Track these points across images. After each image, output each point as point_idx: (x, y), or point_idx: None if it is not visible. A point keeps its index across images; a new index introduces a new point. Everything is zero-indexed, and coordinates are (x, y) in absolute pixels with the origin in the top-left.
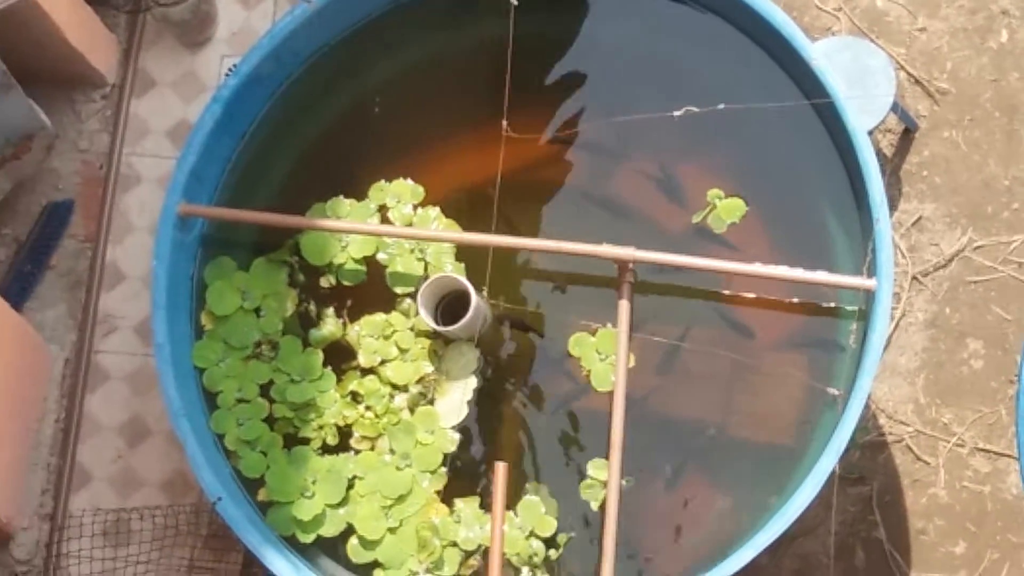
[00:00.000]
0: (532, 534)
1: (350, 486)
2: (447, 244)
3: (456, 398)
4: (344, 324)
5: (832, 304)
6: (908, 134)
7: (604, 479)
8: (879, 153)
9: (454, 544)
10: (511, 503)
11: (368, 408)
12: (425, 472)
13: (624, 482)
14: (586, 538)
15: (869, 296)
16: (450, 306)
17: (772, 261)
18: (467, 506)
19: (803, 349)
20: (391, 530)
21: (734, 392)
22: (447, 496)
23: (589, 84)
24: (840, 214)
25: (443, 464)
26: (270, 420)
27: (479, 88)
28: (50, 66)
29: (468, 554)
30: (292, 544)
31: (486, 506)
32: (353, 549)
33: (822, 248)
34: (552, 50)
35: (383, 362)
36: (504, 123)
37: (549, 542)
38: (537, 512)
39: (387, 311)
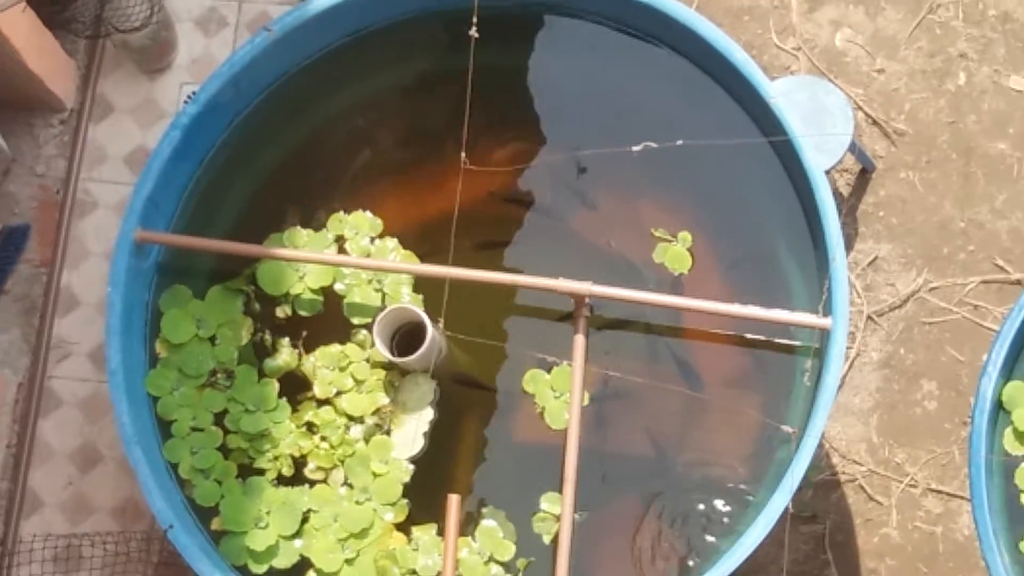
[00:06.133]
0: (491, 559)
1: (304, 519)
2: (405, 275)
3: (412, 429)
4: (299, 355)
5: (787, 342)
6: (865, 174)
7: (557, 513)
8: (836, 193)
9: (413, 572)
10: (469, 529)
11: (323, 439)
12: (386, 505)
13: (577, 516)
14: (546, 563)
15: (824, 335)
16: (406, 337)
17: (728, 298)
18: (424, 534)
19: (758, 387)
20: (348, 561)
21: (688, 429)
22: (404, 524)
23: (548, 118)
24: (797, 253)
25: (403, 496)
26: (224, 449)
27: (438, 120)
28: (8, 90)
29: None
30: (244, 574)
31: (444, 532)
32: None
33: (778, 286)
34: (511, 84)
35: (339, 393)
36: (463, 155)
37: (508, 567)
38: (495, 537)
39: (343, 342)
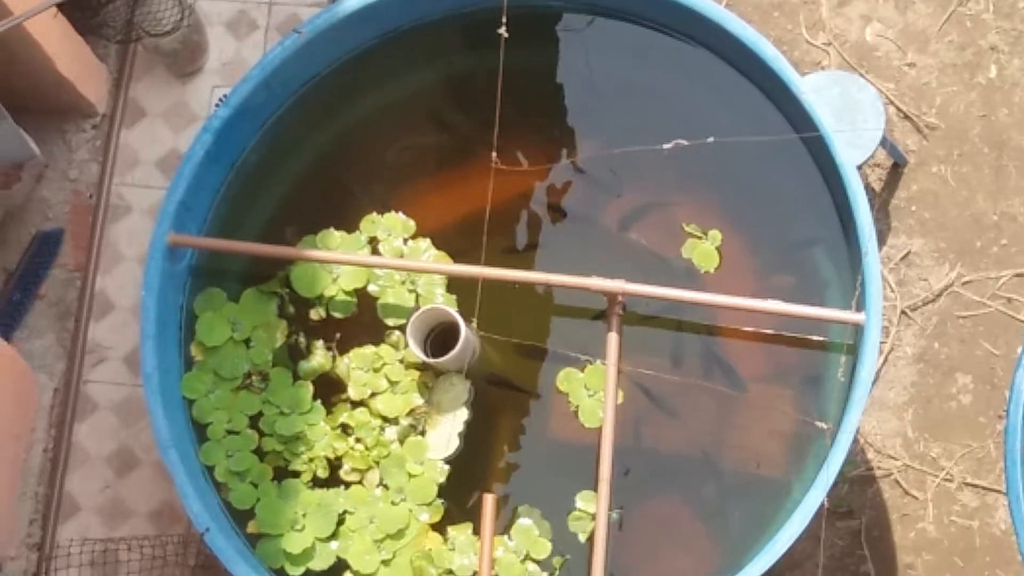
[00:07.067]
0: (527, 557)
1: (340, 521)
2: (438, 276)
3: (446, 430)
4: (334, 356)
5: (821, 338)
6: (897, 169)
7: (592, 511)
8: (868, 187)
9: (450, 572)
10: (505, 528)
11: (358, 440)
12: (421, 505)
13: (613, 514)
14: (581, 561)
15: (858, 330)
16: (439, 338)
17: (761, 294)
18: (460, 533)
19: (792, 383)
20: (385, 562)
21: (723, 426)
22: (440, 524)
23: (579, 116)
24: (829, 248)
25: (438, 496)
26: (260, 452)
27: (469, 120)
28: (41, 96)
29: None
30: None
31: (479, 532)
32: None
33: (811, 282)
34: (542, 83)
35: (373, 394)
36: (494, 155)
37: (544, 565)
38: (531, 536)
39: (376, 343)
